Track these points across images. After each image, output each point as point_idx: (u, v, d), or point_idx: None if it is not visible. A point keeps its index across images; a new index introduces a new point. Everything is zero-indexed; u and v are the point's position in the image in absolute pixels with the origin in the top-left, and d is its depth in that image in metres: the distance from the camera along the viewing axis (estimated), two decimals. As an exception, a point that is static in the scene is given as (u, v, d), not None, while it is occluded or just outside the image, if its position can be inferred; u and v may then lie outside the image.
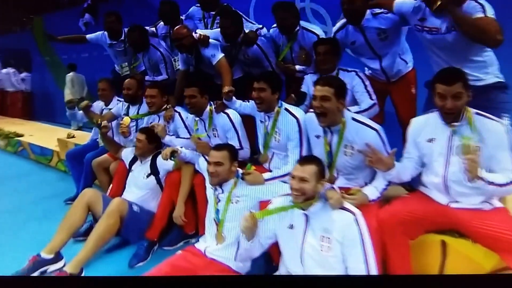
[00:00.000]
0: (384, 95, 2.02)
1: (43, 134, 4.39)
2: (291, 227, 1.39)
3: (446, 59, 1.60)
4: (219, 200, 1.66)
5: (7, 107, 6.57)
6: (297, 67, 2.17)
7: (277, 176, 1.70)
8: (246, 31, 2.25)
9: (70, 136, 3.59)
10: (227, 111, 2.04)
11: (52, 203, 2.66)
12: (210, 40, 2.24)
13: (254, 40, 2.21)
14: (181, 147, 2.03)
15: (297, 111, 1.83)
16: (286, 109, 1.82)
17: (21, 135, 4.42)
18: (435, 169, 1.42)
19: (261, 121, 1.91)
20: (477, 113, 1.36)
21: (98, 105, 2.75)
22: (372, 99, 1.87)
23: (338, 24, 1.99)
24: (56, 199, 2.69)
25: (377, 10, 1.83)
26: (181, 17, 2.63)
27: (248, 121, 2.06)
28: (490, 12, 1.44)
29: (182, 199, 1.99)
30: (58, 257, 1.80)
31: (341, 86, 1.56)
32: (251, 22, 2.40)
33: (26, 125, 5.41)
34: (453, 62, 1.55)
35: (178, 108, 2.29)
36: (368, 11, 1.83)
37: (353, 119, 1.58)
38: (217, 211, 1.66)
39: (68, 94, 5.32)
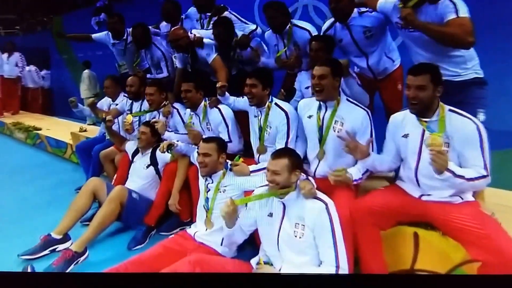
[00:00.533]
0: (372, 91, 2.09)
1: (59, 128, 4.66)
2: (271, 215, 1.49)
3: (426, 56, 1.65)
4: (209, 189, 1.79)
5: (28, 103, 6.96)
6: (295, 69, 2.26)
7: (261, 168, 1.81)
8: (240, 33, 2.36)
9: (82, 130, 3.84)
10: (220, 106, 2.17)
11: (64, 190, 2.89)
12: (205, 40, 2.36)
13: (246, 45, 2.34)
14: (178, 141, 2.18)
15: (286, 105, 1.94)
16: (276, 104, 1.94)
17: (39, 129, 4.73)
18: (409, 163, 1.49)
19: (255, 116, 2.02)
20: (450, 110, 1.41)
21: (106, 101, 2.94)
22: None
23: (327, 23, 2.08)
24: (68, 187, 2.92)
25: (363, 9, 1.91)
26: (181, 16, 2.75)
27: (245, 116, 2.17)
28: (463, 11, 1.48)
29: (177, 189, 2.14)
30: (66, 237, 1.99)
31: (337, 66, 1.70)
32: (245, 23, 2.49)
33: (45, 120, 5.74)
34: (432, 58, 1.60)
35: (176, 105, 2.43)
36: (355, 10, 1.91)
37: (347, 99, 1.73)
38: (206, 199, 1.79)
39: (84, 91, 5.62)
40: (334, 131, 1.69)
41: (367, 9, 1.89)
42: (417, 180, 1.46)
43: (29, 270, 1.44)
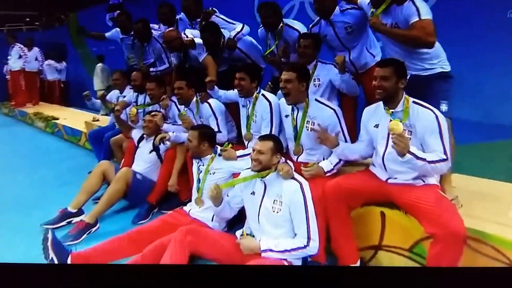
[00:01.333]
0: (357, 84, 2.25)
1: (75, 118, 4.98)
2: (253, 193, 1.70)
3: (397, 52, 1.80)
4: (200, 171, 2.02)
5: (47, 95, 7.39)
6: (283, 59, 2.43)
7: (247, 153, 2.02)
8: (227, 35, 2.53)
9: (94, 120, 4.14)
10: (209, 100, 2.39)
11: (78, 173, 3.15)
12: (197, 40, 2.55)
13: (234, 47, 2.53)
14: (173, 132, 2.40)
15: (271, 96, 2.14)
16: (263, 95, 2.14)
17: (57, 118, 5.09)
18: (378, 150, 1.66)
19: (243, 106, 2.23)
20: (414, 102, 1.56)
21: (114, 93, 3.21)
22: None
23: (315, 21, 2.25)
24: (81, 170, 3.17)
25: (346, 6, 2.06)
26: (177, 17, 2.95)
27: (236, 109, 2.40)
28: (424, 14, 1.62)
29: (176, 171, 2.38)
30: (80, 211, 2.28)
31: (303, 71, 1.85)
32: (231, 23, 2.66)
33: (62, 110, 6.13)
34: (402, 54, 1.75)
35: (174, 98, 2.64)
36: (337, 8, 2.06)
37: (316, 100, 1.90)
38: (198, 180, 2.03)
39: (97, 83, 5.94)
40: (307, 130, 1.88)
41: (349, 6, 2.04)
42: (384, 165, 1.63)
43: (49, 235, 1.70)
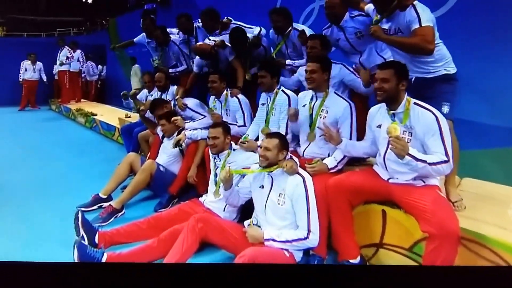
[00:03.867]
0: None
1: (111, 115, 5.45)
2: (262, 187, 1.83)
3: (400, 54, 1.82)
4: (217, 167, 2.19)
5: (88, 93, 8.08)
6: (288, 61, 2.58)
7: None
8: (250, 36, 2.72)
9: (127, 116, 4.51)
10: (239, 96, 2.61)
11: (110, 164, 3.44)
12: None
13: (258, 45, 2.72)
14: (190, 130, 2.63)
15: (290, 92, 2.30)
16: (282, 90, 2.31)
17: (95, 114, 5.58)
18: (380, 150, 1.72)
19: (263, 104, 2.40)
20: (415, 103, 1.59)
21: (143, 93, 3.50)
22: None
23: (327, 25, 2.33)
24: (113, 162, 3.48)
25: (355, 13, 2.14)
26: (195, 25, 3.18)
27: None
28: (425, 21, 1.65)
29: (195, 165, 2.58)
30: (109, 198, 2.55)
31: (326, 62, 1.99)
32: (249, 27, 2.84)
33: (101, 107, 6.68)
34: (406, 58, 1.78)
35: (185, 100, 2.90)
36: (347, 14, 2.14)
37: (335, 93, 2.03)
38: (215, 175, 2.19)
39: (135, 82, 6.40)
40: (321, 118, 1.98)
41: (358, 12, 2.12)
42: (385, 165, 1.68)
43: (79, 215, 1.95)
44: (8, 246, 2.05)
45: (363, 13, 2.10)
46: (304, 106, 2.11)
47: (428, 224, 1.42)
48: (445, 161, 1.50)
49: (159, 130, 2.99)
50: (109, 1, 8.95)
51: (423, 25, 1.65)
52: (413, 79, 1.67)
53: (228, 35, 2.78)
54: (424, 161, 1.48)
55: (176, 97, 2.95)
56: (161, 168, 2.61)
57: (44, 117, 6.99)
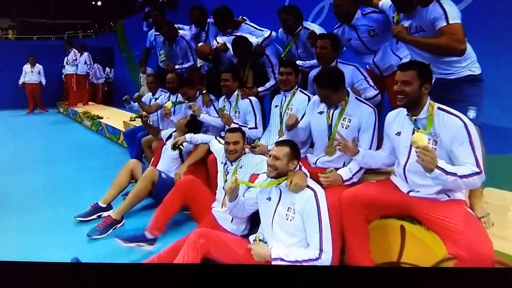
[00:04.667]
0: (381, 89, 2.13)
1: (117, 118, 5.37)
2: (269, 199, 1.68)
3: (419, 53, 1.66)
4: (227, 172, 2.05)
5: (95, 96, 8.10)
6: (298, 62, 2.41)
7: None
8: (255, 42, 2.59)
9: (131, 120, 4.43)
10: (250, 97, 2.49)
11: (114, 169, 3.40)
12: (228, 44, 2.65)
13: (262, 54, 2.59)
14: (191, 134, 2.49)
15: (307, 93, 2.21)
16: (300, 90, 2.22)
17: (101, 118, 5.54)
18: (399, 160, 1.55)
19: (276, 106, 2.29)
20: (439, 108, 1.42)
21: (148, 96, 3.41)
22: (375, 89, 2.06)
23: (338, 24, 2.18)
24: (117, 167, 3.41)
25: (367, 10, 1.98)
26: (209, 20, 3.06)
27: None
28: (453, 18, 1.48)
29: (187, 163, 2.47)
30: (109, 206, 2.44)
31: (341, 76, 1.83)
32: (260, 30, 2.72)
33: (108, 110, 6.65)
34: (426, 57, 1.61)
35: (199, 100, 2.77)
36: (358, 11, 1.98)
37: (356, 98, 1.86)
38: (225, 181, 2.04)
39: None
40: (342, 127, 1.81)
41: (370, 9, 1.96)
42: (405, 176, 1.51)
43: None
44: (13, 247, 2.01)
45: (376, 10, 1.94)
46: (320, 113, 1.93)
47: (457, 247, 1.26)
48: (477, 173, 1.33)
49: (162, 134, 2.89)
50: (117, 3, 8.96)
51: (450, 22, 1.48)
52: (433, 81, 1.49)
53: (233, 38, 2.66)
54: (455, 174, 1.31)
55: (203, 92, 2.82)
56: (163, 175, 2.50)
57: (51, 120, 7.01)
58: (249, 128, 2.45)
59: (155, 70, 3.82)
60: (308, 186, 1.58)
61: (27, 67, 7.52)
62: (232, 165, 2.03)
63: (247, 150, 2.09)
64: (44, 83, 7.59)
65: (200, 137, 2.47)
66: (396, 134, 1.56)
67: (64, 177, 3.33)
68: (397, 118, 1.57)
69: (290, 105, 2.20)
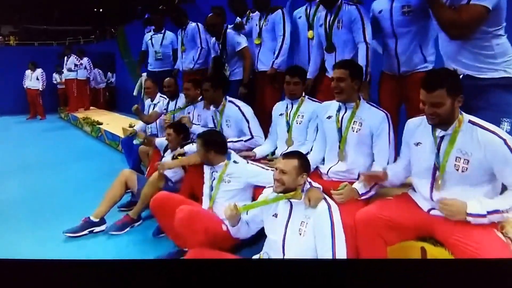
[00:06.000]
0: (397, 100, 1.95)
1: (117, 124, 5.24)
2: (275, 215, 1.50)
3: (449, 43, 1.47)
4: (213, 178, 1.88)
5: (97, 101, 8.02)
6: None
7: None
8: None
9: (130, 126, 4.28)
10: (238, 103, 2.27)
11: (113, 176, 3.26)
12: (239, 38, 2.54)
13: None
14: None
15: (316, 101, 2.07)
16: (309, 98, 2.09)
17: (101, 123, 5.42)
18: (420, 176, 1.36)
19: (280, 114, 2.11)
20: (471, 122, 1.23)
21: (147, 102, 3.26)
22: (366, 40, 1.91)
23: None
24: (116, 174, 3.29)
25: None
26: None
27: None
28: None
29: (179, 162, 2.29)
30: (102, 221, 2.26)
31: (356, 68, 1.68)
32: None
33: (108, 115, 6.54)
34: (454, 49, 1.44)
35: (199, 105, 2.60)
36: None
37: (368, 102, 1.71)
38: (210, 187, 1.89)
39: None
40: (353, 131, 1.65)
41: None
42: (431, 196, 1.33)
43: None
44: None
45: None
46: (329, 118, 1.76)
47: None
48: None
49: (157, 142, 2.74)
50: (119, 10, 8.95)
51: (472, 2, 1.30)
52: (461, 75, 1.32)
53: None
54: (497, 211, 1.15)
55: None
56: (170, 184, 2.34)
57: (51, 126, 6.90)
58: (245, 141, 2.23)
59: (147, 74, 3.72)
60: (325, 199, 1.41)
61: (28, 72, 7.47)
62: (217, 171, 1.86)
63: (239, 158, 1.91)
64: (41, 89, 7.50)
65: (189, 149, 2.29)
66: (415, 144, 1.38)
67: (54, 185, 3.20)
68: (419, 126, 1.38)
69: (299, 112, 2.04)
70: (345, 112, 1.69)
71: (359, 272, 1.20)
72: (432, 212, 1.32)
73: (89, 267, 1.28)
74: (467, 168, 1.20)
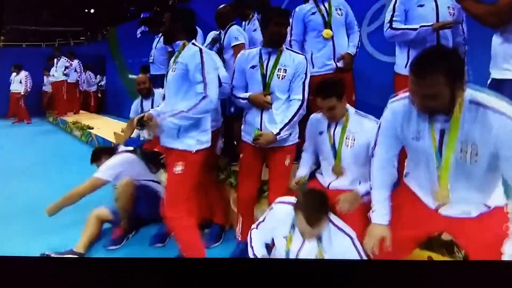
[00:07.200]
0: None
1: (108, 128, 5.13)
2: (285, 238, 1.44)
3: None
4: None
5: (87, 104, 7.84)
6: None
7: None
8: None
9: (122, 131, 4.17)
10: (203, 48, 1.68)
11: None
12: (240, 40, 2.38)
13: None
14: None
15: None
16: (287, 48, 1.81)
17: (92, 128, 5.27)
18: (425, 168, 1.28)
19: (253, 67, 1.77)
20: (472, 102, 1.06)
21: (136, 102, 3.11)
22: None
23: None
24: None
25: None
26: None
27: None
28: None
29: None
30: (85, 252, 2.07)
31: (341, 89, 1.62)
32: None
33: (99, 119, 6.40)
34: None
35: None
36: None
37: (356, 112, 1.68)
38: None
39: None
40: (347, 147, 1.63)
41: None
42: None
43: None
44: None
45: None
46: (321, 134, 1.72)
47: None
48: None
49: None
50: (110, 10, 8.79)
51: None
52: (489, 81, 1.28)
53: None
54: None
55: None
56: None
57: (38, 130, 6.70)
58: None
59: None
60: (342, 230, 1.37)
61: (12, 75, 7.25)
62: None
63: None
64: (23, 93, 7.27)
65: None
66: (412, 139, 1.21)
67: (41, 194, 3.04)
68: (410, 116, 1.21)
69: (279, 65, 1.72)
70: (335, 127, 1.66)
71: (361, 273, 1.18)
72: (441, 211, 1.23)
73: (89, 266, 1.28)
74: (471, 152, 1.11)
